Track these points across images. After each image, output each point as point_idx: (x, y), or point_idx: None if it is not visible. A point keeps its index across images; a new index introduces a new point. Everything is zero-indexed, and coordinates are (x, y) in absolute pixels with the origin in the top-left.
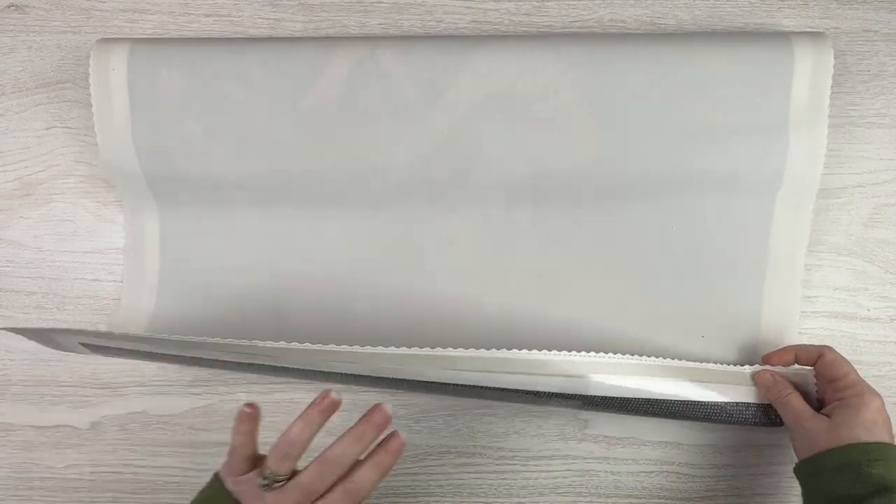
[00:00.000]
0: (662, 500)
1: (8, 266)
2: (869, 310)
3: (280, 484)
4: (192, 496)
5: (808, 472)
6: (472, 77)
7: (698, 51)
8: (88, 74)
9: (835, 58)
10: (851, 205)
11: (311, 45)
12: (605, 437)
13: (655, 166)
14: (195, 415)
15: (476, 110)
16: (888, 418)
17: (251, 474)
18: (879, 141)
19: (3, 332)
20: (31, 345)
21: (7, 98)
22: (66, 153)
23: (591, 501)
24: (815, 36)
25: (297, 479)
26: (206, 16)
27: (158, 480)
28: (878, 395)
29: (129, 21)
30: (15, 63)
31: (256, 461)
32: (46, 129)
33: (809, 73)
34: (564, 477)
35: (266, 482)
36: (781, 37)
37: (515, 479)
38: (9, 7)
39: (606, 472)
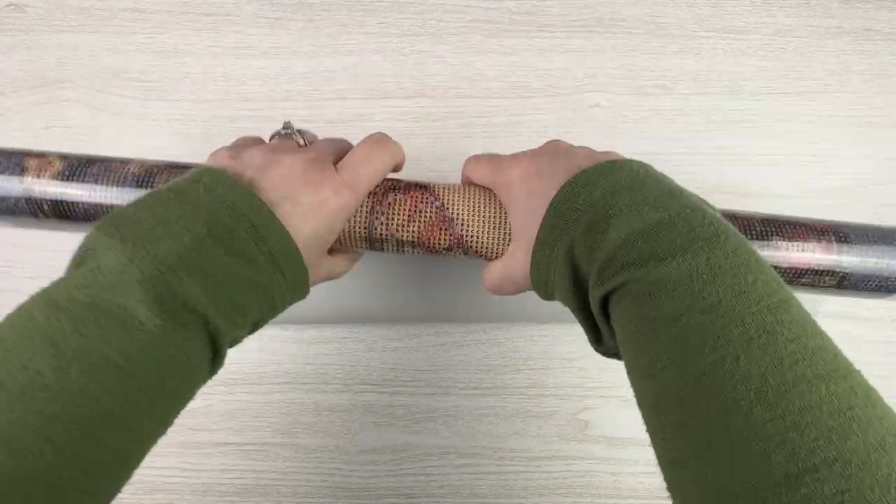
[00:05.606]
0: (662, 501)
1: (8, 266)
2: (869, 310)
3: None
4: (191, 496)
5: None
6: None
7: None
8: (88, 74)
9: (835, 57)
10: (851, 205)
11: None
12: (605, 437)
13: None
14: (194, 415)
15: None
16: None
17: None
18: (879, 141)
19: None
20: None
21: (7, 98)
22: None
23: (591, 501)
24: None
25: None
26: (206, 15)
27: (157, 480)
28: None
29: (129, 21)
30: (15, 63)
31: None
32: (46, 129)
33: None
34: (565, 477)
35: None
36: None
37: (516, 480)
38: (8, 7)
39: (606, 472)
